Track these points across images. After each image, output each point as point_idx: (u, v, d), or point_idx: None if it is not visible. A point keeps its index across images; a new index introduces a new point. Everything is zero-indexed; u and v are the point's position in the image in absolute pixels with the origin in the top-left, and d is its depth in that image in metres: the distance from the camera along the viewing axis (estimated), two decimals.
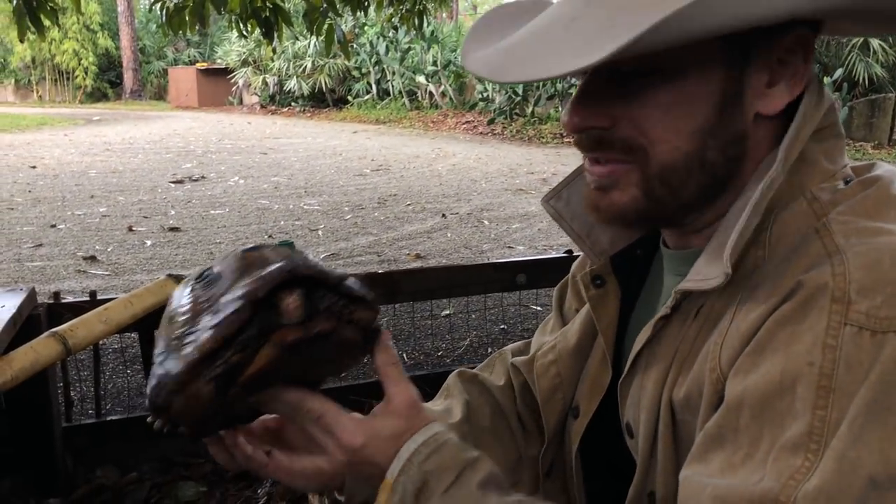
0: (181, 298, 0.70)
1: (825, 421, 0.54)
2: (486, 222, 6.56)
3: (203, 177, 9.28)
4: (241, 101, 23.57)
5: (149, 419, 0.69)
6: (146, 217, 6.80)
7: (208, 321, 0.65)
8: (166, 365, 0.66)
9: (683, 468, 0.63)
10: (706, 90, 0.65)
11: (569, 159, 10.98)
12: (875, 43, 11.68)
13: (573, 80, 14.45)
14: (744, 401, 0.58)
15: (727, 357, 0.62)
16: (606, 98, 0.67)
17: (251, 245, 0.73)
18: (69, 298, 2.24)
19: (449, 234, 6.08)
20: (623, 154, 0.68)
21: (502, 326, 3.76)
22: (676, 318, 0.70)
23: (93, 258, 5.32)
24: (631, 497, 0.74)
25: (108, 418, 2.36)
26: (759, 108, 0.67)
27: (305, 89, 20.20)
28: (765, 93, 0.67)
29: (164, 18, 4.06)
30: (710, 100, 0.65)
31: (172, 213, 7.02)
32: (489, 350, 3.43)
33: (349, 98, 19.81)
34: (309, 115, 20.11)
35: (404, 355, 3.31)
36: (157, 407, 0.66)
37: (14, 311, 1.84)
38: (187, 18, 4.03)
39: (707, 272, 0.66)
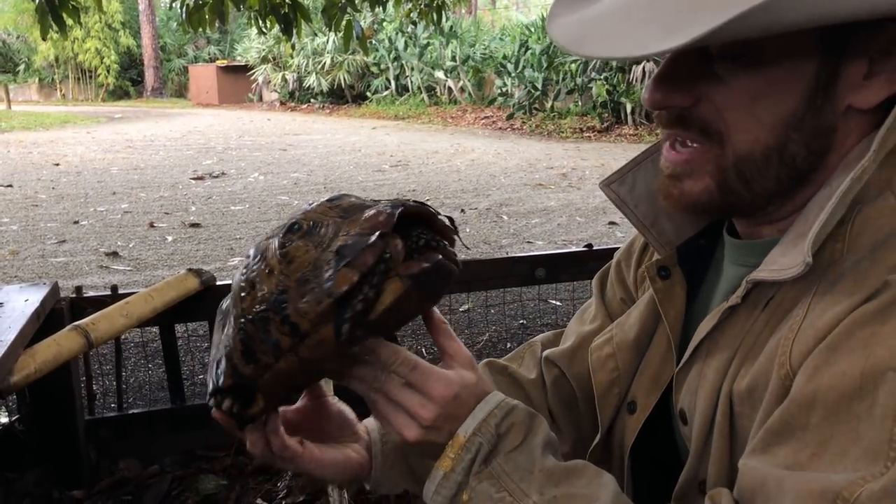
0: (278, 251, 0.66)
1: None
2: (505, 217, 6.54)
3: (223, 173, 9.34)
4: (260, 98, 23.70)
5: (211, 401, 0.67)
6: (167, 213, 6.85)
7: (335, 263, 0.63)
8: (283, 309, 0.62)
9: (742, 458, 0.61)
10: (796, 79, 0.62)
11: (588, 154, 10.92)
12: None
13: (593, 75, 14.19)
14: (816, 399, 0.56)
15: (798, 352, 0.60)
16: (691, 77, 0.64)
17: (335, 195, 0.72)
18: (91, 293, 2.26)
19: (468, 230, 6.07)
20: (700, 136, 0.66)
21: (521, 321, 3.74)
22: (744, 308, 0.68)
23: (115, 254, 5.37)
24: (681, 484, 0.72)
25: (131, 412, 2.38)
26: (853, 100, 0.63)
27: (324, 86, 20.26)
28: (861, 85, 0.62)
29: (184, 16, 4.08)
30: (799, 90, 0.62)
31: (193, 209, 7.07)
32: (508, 345, 3.42)
33: (368, 94, 19.84)
34: (328, 111, 20.17)
35: (423, 350, 3.31)
36: (245, 376, 0.64)
37: (37, 304, 1.86)
38: (207, 15, 4.05)
39: (783, 262, 0.63)
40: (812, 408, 0.57)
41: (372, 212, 0.65)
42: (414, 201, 0.67)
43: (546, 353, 0.95)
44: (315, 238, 0.65)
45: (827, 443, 0.55)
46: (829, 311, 0.59)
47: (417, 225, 0.68)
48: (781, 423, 0.58)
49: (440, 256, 0.66)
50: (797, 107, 0.62)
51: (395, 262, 0.63)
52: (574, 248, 3.19)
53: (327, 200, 0.70)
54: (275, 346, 0.62)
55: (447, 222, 0.70)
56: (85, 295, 2.17)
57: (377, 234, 0.63)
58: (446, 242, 0.70)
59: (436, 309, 0.72)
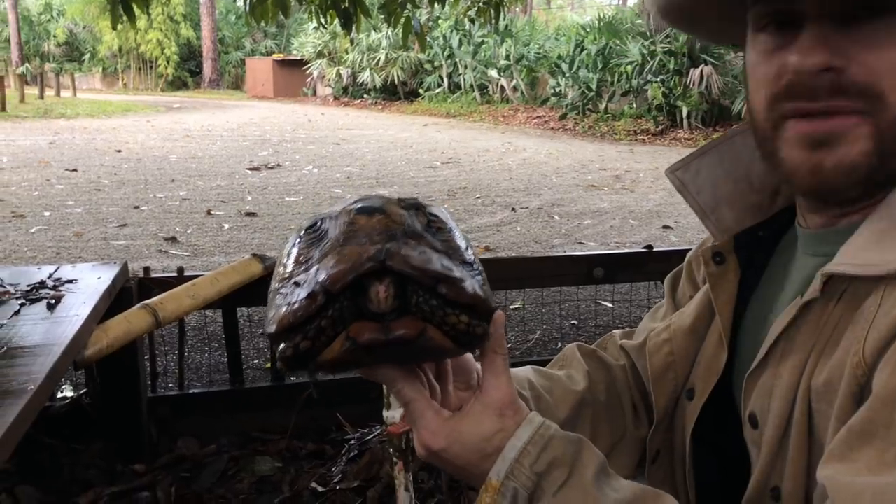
0: (290, 247, 0.68)
1: None
2: (556, 217, 6.50)
3: (278, 164, 9.49)
4: (314, 93, 24.01)
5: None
6: (224, 202, 6.99)
7: (290, 293, 0.62)
8: (268, 308, 0.66)
9: (821, 467, 0.59)
10: None
11: (642, 157, 10.78)
12: None
13: (649, 77, 13.95)
14: None
15: (873, 345, 0.59)
16: (837, 40, 0.62)
17: (370, 204, 0.65)
18: (158, 274, 2.32)
19: (518, 228, 6.05)
20: (858, 101, 0.62)
21: (573, 322, 3.72)
22: (819, 301, 0.67)
23: (173, 239, 5.51)
24: (750, 492, 0.70)
25: (191, 391, 2.44)
26: None
27: (378, 81, 20.42)
28: None
29: (247, 8, 4.16)
30: None
31: (249, 198, 7.20)
32: (559, 345, 3.40)
33: (420, 91, 19.92)
34: (381, 107, 20.32)
35: None
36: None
37: (109, 283, 1.92)
38: (270, 9, 4.12)
39: (868, 256, 0.62)
40: (895, 404, 0.55)
41: (357, 254, 0.60)
42: (405, 259, 0.60)
43: (622, 342, 0.95)
44: (313, 250, 0.64)
45: None
46: None
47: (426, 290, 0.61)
48: (863, 422, 0.56)
49: (414, 332, 0.60)
50: None
51: (360, 313, 0.60)
52: (635, 249, 3.16)
53: (357, 209, 0.64)
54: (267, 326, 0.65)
55: (456, 291, 0.61)
56: (152, 276, 2.24)
57: (322, 289, 0.59)
58: (460, 312, 0.61)
59: (498, 335, 0.65)
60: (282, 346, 0.61)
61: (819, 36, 0.62)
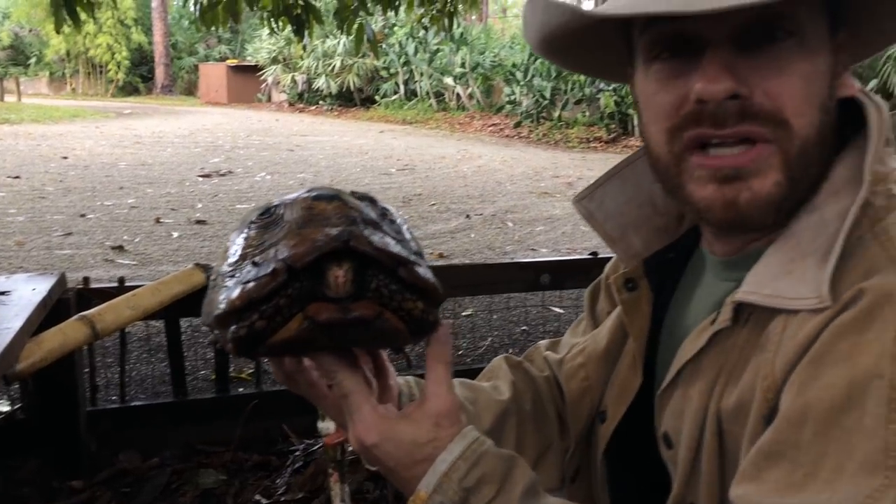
0: (239, 234, 0.67)
1: None
2: (510, 224, 6.55)
3: (230, 171, 9.36)
4: (269, 99, 23.76)
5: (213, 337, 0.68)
6: (174, 209, 6.87)
7: (247, 273, 0.61)
8: (210, 294, 0.65)
9: (733, 486, 0.59)
10: (824, 60, 0.63)
11: (594, 164, 10.92)
12: None
13: (602, 85, 14.16)
14: (806, 415, 0.55)
15: (781, 367, 0.60)
16: (739, 65, 0.62)
17: (327, 192, 0.66)
18: (98, 284, 2.27)
19: (472, 235, 6.07)
20: (765, 127, 0.62)
21: (524, 328, 3.74)
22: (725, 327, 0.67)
23: (120, 248, 5.39)
24: None
25: (132, 404, 2.39)
26: (840, 91, 0.66)
27: (333, 88, 20.31)
28: (843, 76, 0.66)
29: (197, 13, 4.11)
30: (827, 72, 0.64)
31: (199, 206, 7.09)
32: (510, 351, 3.42)
33: (377, 98, 19.87)
34: (336, 113, 20.21)
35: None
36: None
37: (45, 294, 1.87)
38: (220, 14, 4.07)
39: (778, 287, 0.62)
40: (802, 424, 0.56)
41: (317, 235, 0.61)
42: (368, 240, 0.60)
43: (545, 354, 0.96)
44: (265, 235, 0.64)
45: (821, 460, 0.54)
46: (807, 324, 0.59)
47: (392, 271, 0.62)
48: (772, 443, 0.57)
49: (372, 313, 0.60)
50: (825, 89, 0.64)
51: (317, 295, 0.60)
52: (579, 256, 3.20)
53: (314, 196, 0.65)
54: (206, 317, 0.65)
55: (413, 274, 0.62)
56: (92, 286, 2.18)
57: (284, 266, 0.59)
58: (416, 298, 0.62)
59: (443, 344, 0.66)
60: (233, 326, 0.60)
61: (724, 61, 0.61)
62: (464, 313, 3.94)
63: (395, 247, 0.63)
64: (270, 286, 0.59)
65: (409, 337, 0.65)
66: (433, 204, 7.42)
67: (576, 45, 0.72)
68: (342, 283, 0.60)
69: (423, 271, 0.64)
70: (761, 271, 0.65)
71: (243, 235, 0.67)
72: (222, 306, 0.61)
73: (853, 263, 0.60)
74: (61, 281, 2.05)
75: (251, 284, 0.60)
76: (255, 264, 0.62)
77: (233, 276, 0.63)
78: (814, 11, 0.62)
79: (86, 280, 2.19)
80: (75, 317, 1.85)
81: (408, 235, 0.69)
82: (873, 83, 11.29)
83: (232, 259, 0.65)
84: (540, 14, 0.68)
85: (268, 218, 0.66)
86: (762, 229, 0.68)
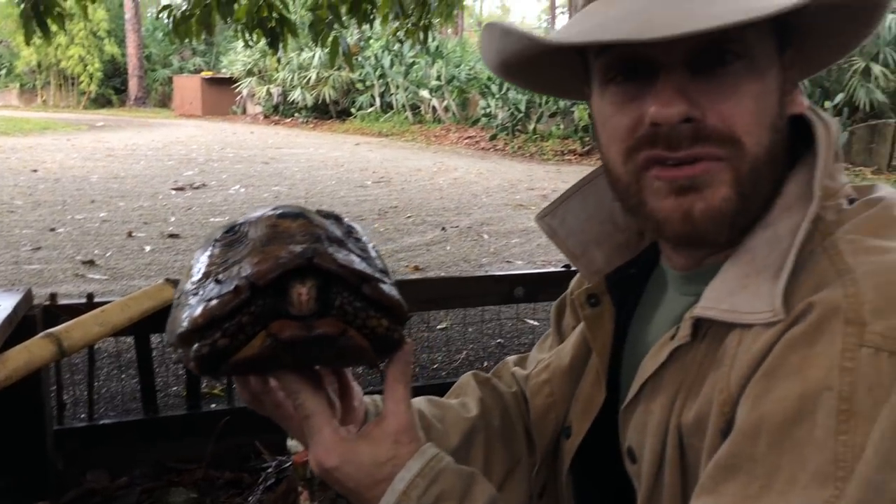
0: (203, 252, 0.67)
1: (849, 446, 0.53)
2: (485, 236, 6.56)
3: (204, 184, 9.29)
4: (244, 111, 23.64)
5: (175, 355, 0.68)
6: (146, 223, 6.79)
7: (210, 290, 0.61)
8: (174, 313, 0.64)
9: (693, 500, 0.60)
10: (773, 81, 0.65)
11: (569, 176, 10.99)
12: (876, 69, 11.72)
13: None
14: (760, 428, 0.57)
15: (736, 381, 0.61)
16: (692, 88, 0.64)
17: (292, 210, 0.66)
18: (66, 301, 2.23)
19: (448, 248, 6.08)
20: (718, 147, 0.64)
21: (499, 340, 3.75)
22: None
23: (91, 262, 5.31)
24: None
25: (101, 422, 2.35)
26: (789, 108, 0.68)
27: (309, 100, 20.27)
28: (792, 94, 0.68)
29: (171, 26, 4.09)
30: (776, 91, 0.65)
31: (173, 219, 7.02)
32: (485, 364, 3.42)
33: (352, 110, 19.86)
34: (312, 126, 20.16)
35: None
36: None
37: (10, 311, 1.84)
38: (194, 26, 4.05)
39: (735, 302, 0.63)
40: (757, 437, 0.57)
41: (280, 252, 0.61)
42: (332, 257, 0.60)
43: (513, 369, 0.97)
44: (229, 253, 0.64)
45: (776, 472, 0.55)
46: (761, 338, 0.60)
47: (349, 290, 0.61)
48: (728, 456, 0.58)
49: (335, 330, 0.60)
50: (776, 108, 0.66)
51: (280, 313, 0.60)
52: (553, 269, 3.21)
53: (279, 215, 0.65)
54: (169, 336, 0.65)
55: (377, 292, 0.62)
56: (59, 303, 2.15)
57: (247, 283, 0.59)
58: (380, 316, 0.63)
59: (403, 363, 0.66)
60: (196, 345, 0.60)
61: (677, 85, 0.63)
62: (439, 326, 3.93)
63: (359, 264, 0.63)
64: (233, 304, 0.59)
65: (374, 355, 0.65)
66: (409, 216, 7.42)
67: (534, 68, 0.73)
68: (305, 301, 0.60)
69: (388, 288, 0.64)
70: (718, 286, 0.66)
71: (207, 253, 0.67)
72: (185, 324, 0.61)
73: (804, 277, 0.61)
74: (27, 297, 2.01)
75: (214, 302, 0.60)
76: (218, 282, 0.62)
77: (196, 294, 0.63)
78: (762, 33, 0.64)
79: (53, 296, 2.15)
80: (41, 334, 1.82)
81: (373, 253, 0.69)
82: (840, 97, 11.53)
83: (195, 277, 0.65)
84: (497, 41, 0.69)
85: (232, 236, 0.66)
86: (717, 245, 0.69)
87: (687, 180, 0.64)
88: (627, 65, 0.65)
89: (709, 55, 0.63)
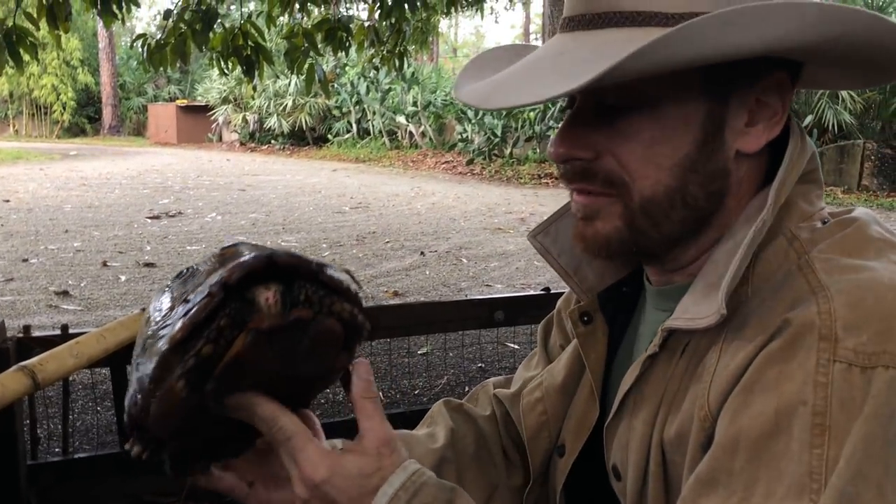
0: (158, 299, 0.68)
1: (823, 459, 0.54)
2: (464, 260, 6.58)
3: (180, 213, 9.23)
4: (220, 139, 23.58)
5: (126, 446, 0.66)
6: (121, 252, 6.72)
7: (180, 311, 0.62)
8: (141, 367, 0.63)
9: None
10: (687, 126, 0.67)
11: (546, 200, 11.09)
12: (844, 91, 12.01)
13: (551, 123, 14.55)
14: (738, 443, 0.58)
15: (715, 396, 0.62)
16: (591, 131, 0.68)
17: (234, 242, 0.69)
18: (40, 333, 2.20)
19: (427, 272, 6.08)
20: (605, 186, 0.69)
21: (480, 364, 3.74)
22: (663, 356, 0.70)
23: (65, 293, 5.24)
24: None
25: (76, 456, 2.30)
26: (740, 145, 0.68)
27: (285, 127, 20.28)
28: (744, 131, 0.68)
29: (145, 55, 4.08)
30: (690, 135, 0.67)
31: (148, 248, 6.96)
32: (466, 388, 3.41)
33: (329, 137, 19.90)
34: (289, 152, 20.15)
35: (380, 393, 3.28)
36: (134, 417, 0.63)
37: None
38: (168, 55, 4.05)
39: (697, 310, 0.66)
40: (735, 452, 0.58)
41: (234, 262, 0.62)
42: (287, 253, 0.64)
43: (495, 391, 0.96)
44: (186, 285, 0.66)
45: (753, 486, 0.56)
46: (739, 354, 0.62)
47: (309, 280, 0.64)
48: (708, 471, 0.59)
49: (308, 314, 0.62)
50: (690, 151, 0.67)
51: (249, 315, 0.60)
52: (533, 292, 3.23)
53: (221, 248, 0.68)
54: (140, 389, 0.63)
55: (335, 277, 0.65)
56: (33, 335, 2.11)
57: (220, 285, 0.60)
58: (342, 300, 0.65)
59: (365, 380, 0.68)
60: (181, 363, 0.61)
61: (571, 128, 0.70)
62: (419, 351, 3.91)
63: (313, 262, 0.66)
64: (210, 306, 0.60)
65: (344, 341, 0.67)
66: (387, 242, 7.42)
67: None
68: (274, 303, 0.61)
69: (341, 275, 0.67)
70: (687, 299, 0.69)
71: (167, 294, 0.68)
72: (165, 345, 0.61)
73: (781, 295, 0.63)
74: (0, 329, 1.98)
75: (191, 312, 0.61)
76: (186, 301, 0.63)
77: (166, 326, 0.63)
78: (674, 81, 0.65)
79: (26, 329, 2.11)
80: (15, 367, 1.78)
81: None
82: (809, 119, 11.78)
83: (158, 317, 0.66)
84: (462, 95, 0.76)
85: (185, 275, 0.68)
86: (665, 261, 0.74)
87: (582, 208, 0.72)
88: (570, 99, 0.72)
89: (610, 102, 0.68)
